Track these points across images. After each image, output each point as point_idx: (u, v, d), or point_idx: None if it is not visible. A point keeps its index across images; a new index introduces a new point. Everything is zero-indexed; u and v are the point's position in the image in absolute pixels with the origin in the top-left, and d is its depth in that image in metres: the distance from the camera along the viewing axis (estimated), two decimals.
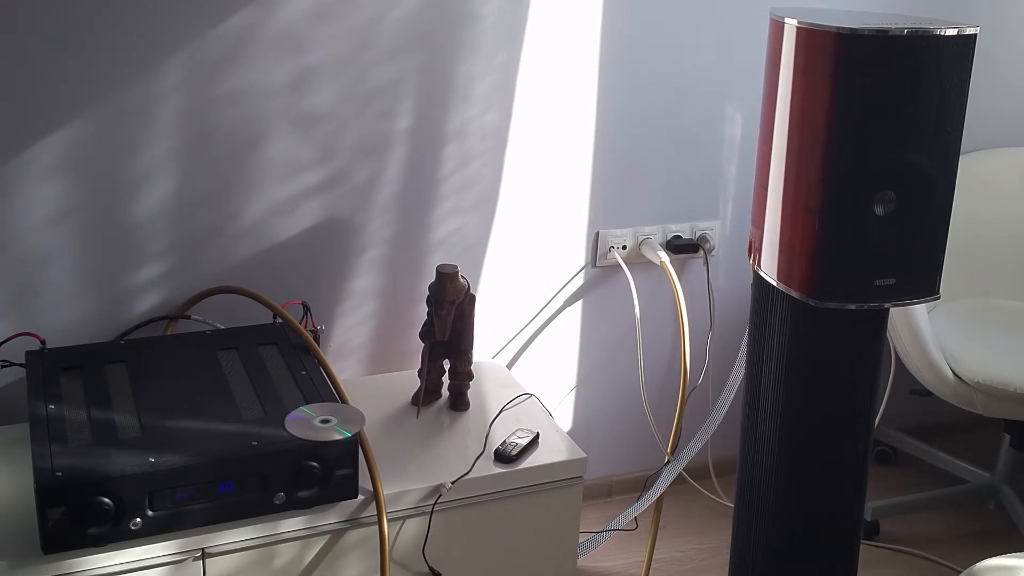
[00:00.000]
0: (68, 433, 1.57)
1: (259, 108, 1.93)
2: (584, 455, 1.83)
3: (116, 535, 1.50)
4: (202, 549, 1.56)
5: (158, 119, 1.87)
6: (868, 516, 2.38)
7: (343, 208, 2.05)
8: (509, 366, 2.32)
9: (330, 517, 1.63)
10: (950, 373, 2.24)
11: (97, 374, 1.74)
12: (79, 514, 1.46)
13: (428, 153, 2.09)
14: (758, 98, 2.32)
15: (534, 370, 2.34)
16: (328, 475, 1.60)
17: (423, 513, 1.71)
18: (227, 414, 1.64)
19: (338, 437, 1.59)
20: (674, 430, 2.16)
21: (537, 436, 1.86)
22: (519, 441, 1.82)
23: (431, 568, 1.74)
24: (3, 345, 1.82)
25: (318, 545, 1.64)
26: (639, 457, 2.49)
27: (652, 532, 2.19)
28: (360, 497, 1.65)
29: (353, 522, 1.65)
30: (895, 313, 2.23)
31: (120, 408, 1.65)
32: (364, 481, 1.65)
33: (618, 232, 2.31)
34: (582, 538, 2.07)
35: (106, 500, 1.47)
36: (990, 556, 1.50)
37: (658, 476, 2.14)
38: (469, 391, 1.97)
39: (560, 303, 2.32)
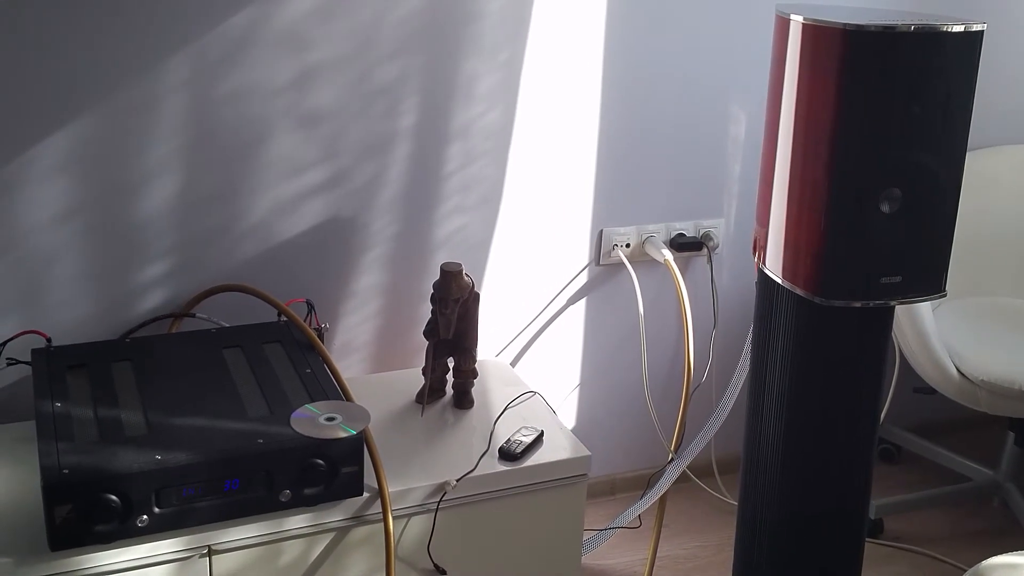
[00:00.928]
0: (75, 431, 1.57)
1: (262, 107, 1.93)
2: (588, 453, 1.83)
3: (123, 532, 1.50)
4: (208, 546, 1.56)
5: (162, 118, 1.87)
6: (872, 514, 2.38)
7: (347, 207, 2.05)
8: (513, 364, 2.32)
9: (335, 514, 1.63)
10: (954, 371, 2.24)
11: (103, 372, 1.75)
12: (86, 511, 1.46)
13: (432, 151, 2.09)
14: (763, 95, 2.31)
15: (538, 368, 2.34)
16: (333, 473, 1.60)
17: (428, 511, 1.71)
18: (233, 412, 1.64)
19: (343, 435, 1.59)
20: (678, 428, 2.16)
21: (541, 434, 1.86)
22: (523, 439, 1.82)
23: (436, 565, 1.74)
24: (9, 343, 1.83)
25: (324, 542, 1.65)
26: (643, 455, 2.49)
27: (656, 530, 2.19)
28: (365, 495, 1.65)
29: (358, 519, 1.65)
30: (899, 311, 2.22)
31: (126, 406, 1.65)
32: (369, 479, 1.65)
33: (622, 230, 2.31)
34: (586, 536, 2.07)
35: (113, 497, 1.47)
36: (994, 554, 1.49)
37: (662, 474, 2.14)
38: (473, 389, 1.97)
39: (564, 301, 2.32)
